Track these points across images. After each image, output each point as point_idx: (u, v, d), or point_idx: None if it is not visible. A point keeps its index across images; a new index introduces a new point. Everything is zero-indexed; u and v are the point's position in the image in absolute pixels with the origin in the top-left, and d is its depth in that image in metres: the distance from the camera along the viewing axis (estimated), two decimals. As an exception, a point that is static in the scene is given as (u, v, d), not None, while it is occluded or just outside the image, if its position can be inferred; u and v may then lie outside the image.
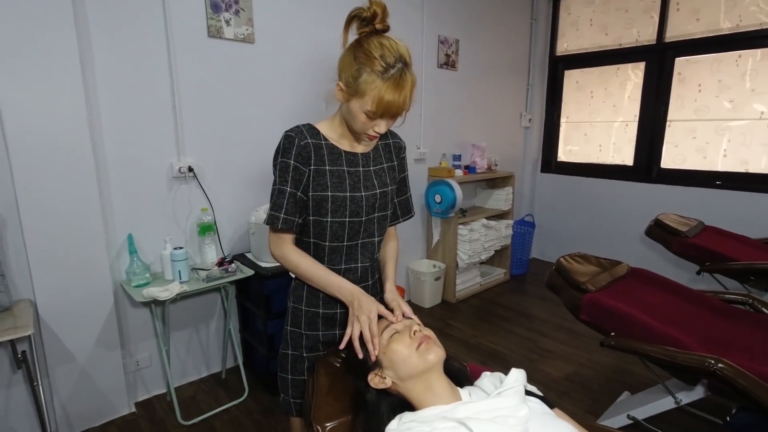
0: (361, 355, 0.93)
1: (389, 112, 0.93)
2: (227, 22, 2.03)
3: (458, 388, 0.90)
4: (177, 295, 1.76)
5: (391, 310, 1.02)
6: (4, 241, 1.62)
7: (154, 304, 1.86)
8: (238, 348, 2.23)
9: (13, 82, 1.51)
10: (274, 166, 1.01)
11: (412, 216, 1.24)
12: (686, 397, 1.54)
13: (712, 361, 1.25)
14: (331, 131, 1.04)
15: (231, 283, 1.98)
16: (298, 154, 0.98)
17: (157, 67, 1.89)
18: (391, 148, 1.14)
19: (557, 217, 4.04)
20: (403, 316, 1.04)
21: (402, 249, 2.45)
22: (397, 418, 0.85)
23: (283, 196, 0.99)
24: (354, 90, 0.92)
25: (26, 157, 1.57)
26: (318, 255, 1.06)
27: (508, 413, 0.78)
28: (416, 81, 0.95)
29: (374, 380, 0.90)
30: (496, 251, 3.51)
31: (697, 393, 1.51)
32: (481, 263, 3.54)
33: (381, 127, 0.97)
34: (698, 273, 2.26)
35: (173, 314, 2.11)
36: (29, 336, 1.47)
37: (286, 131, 1.01)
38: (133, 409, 2.00)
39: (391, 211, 1.15)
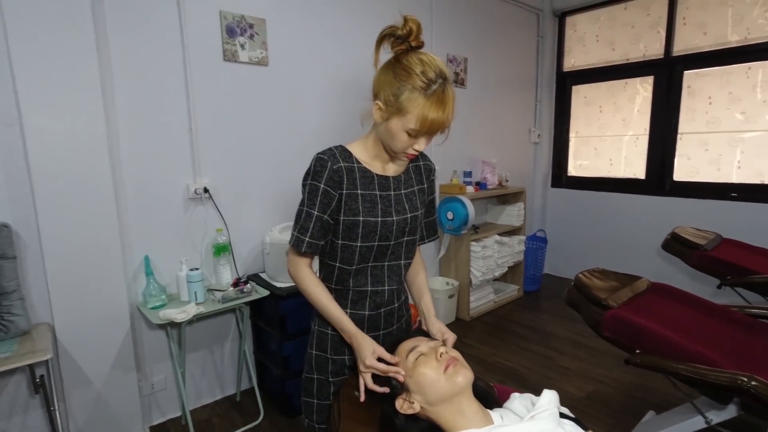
0: (387, 390, 0.91)
1: (433, 129, 0.91)
2: (242, 46, 2.07)
3: (489, 411, 0.87)
4: (193, 316, 1.76)
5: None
6: (24, 265, 1.63)
7: (170, 326, 1.86)
8: (253, 369, 2.20)
9: (37, 107, 1.55)
10: (304, 186, 0.99)
11: (437, 238, 1.23)
12: (717, 417, 1.49)
13: (745, 379, 1.21)
14: (363, 153, 1.02)
15: (246, 303, 1.97)
16: (330, 178, 0.96)
17: (175, 91, 1.92)
18: (422, 170, 1.12)
19: (569, 231, 4.01)
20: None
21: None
22: (428, 443, 0.83)
23: (310, 219, 0.97)
24: (395, 109, 0.90)
25: (48, 181, 1.59)
26: (342, 277, 1.04)
27: (544, 437, 0.76)
28: (455, 94, 0.93)
29: (403, 406, 0.88)
30: (509, 268, 3.47)
31: (729, 412, 1.46)
32: (495, 280, 3.50)
33: (421, 144, 0.95)
34: (719, 287, 2.21)
35: (188, 336, 2.10)
36: (47, 360, 1.47)
37: (318, 153, 0.98)
38: (148, 434, 1.98)
39: (419, 235, 1.14)
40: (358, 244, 1.00)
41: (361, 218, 0.98)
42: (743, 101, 2.98)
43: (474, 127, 3.41)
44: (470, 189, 3.14)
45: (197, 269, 1.89)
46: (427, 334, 1.04)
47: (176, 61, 1.91)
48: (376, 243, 1.01)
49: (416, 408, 0.86)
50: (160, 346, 2.03)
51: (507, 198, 3.60)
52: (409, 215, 1.04)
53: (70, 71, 1.59)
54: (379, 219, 0.99)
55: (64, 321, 1.68)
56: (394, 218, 1.01)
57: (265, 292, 1.97)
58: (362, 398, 0.94)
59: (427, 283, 1.21)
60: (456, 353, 0.92)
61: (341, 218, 0.98)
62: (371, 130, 1.03)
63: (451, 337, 1.04)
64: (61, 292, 1.66)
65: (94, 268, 1.73)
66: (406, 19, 0.91)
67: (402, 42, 0.92)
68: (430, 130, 0.91)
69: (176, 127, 1.95)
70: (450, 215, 2.95)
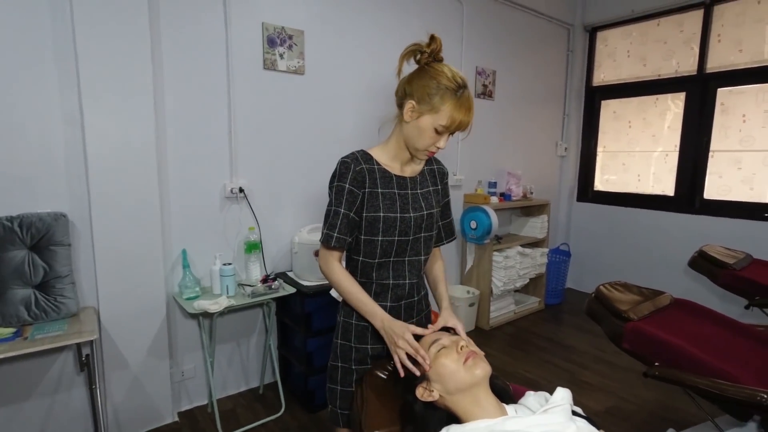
0: (418, 373, 0.96)
1: (459, 128, 1.05)
2: (281, 56, 2.20)
3: (504, 405, 0.92)
4: (225, 308, 1.86)
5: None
6: (77, 252, 1.77)
7: (202, 316, 1.97)
8: (277, 364, 2.29)
9: (97, 109, 1.70)
10: (330, 188, 1.10)
11: (455, 238, 1.31)
12: (737, 435, 1.48)
13: (765, 396, 1.21)
14: (383, 155, 1.13)
15: (273, 299, 2.06)
16: (354, 178, 1.06)
17: (217, 96, 2.06)
18: (436, 173, 1.22)
19: (594, 246, 3.97)
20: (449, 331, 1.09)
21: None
22: (444, 430, 0.88)
23: (338, 217, 1.07)
24: (429, 106, 1.02)
25: (102, 177, 1.74)
26: (366, 271, 1.12)
27: (557, 429, 0.80)
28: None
29: (423, 394, 0.94)
30: (530, 279, 3.47)
31: (749, 430, 1.45)
32: (516, 291, 3.50)
33: (442, 143, 1.07)
34: (747, 307, 2.17)
35: (217, 328, 2.20)
36: (93, 341, 1.59)
37: (342, 158, 1.09)
38: (176, 419, 2.08)
39: (435, 232, 1.22)
40: (380, 239, 1.09)
41: (381, 214, 1.08)
42: (779, 120, 2.92)
43: (500, 139, 3.45)
44: (494, 199, 3.18)
45: (230, 264, 2.00)
46: (448, 330, 1.10)
47: (220, 68, 2.05)
48: (396, 238, 1.10)
49: (435, 396, 0.92)
50: (192, 336, 2.14)
51: (531, 210, 3.61)
52: (425, 212, 1.13)
53: (127, 76, 1.74)
54: (398, 215, 1.09)
55: (108, 306, 1.81)
56: (412, 214, 1.10)
57: (292, 290, 2.06)
58: (402, 373, 1.00)
59: (443, 273, 1.29)
60: (476, 348, 0.97)
61: (363, 215, 1.08)
62: (392, 134, 1.14)
63: (459, 325, 1.10)
64: (107, 279, 1.80)
65: (137, 258, 1.86)
66: (433, 37, 1.05)
67: (429, 56, 1.05)
68: (457, 128, 1.05)
69: (217, 129, 2.08)
70: (473, 224, 2.99)
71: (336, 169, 1.09)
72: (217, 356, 2.23)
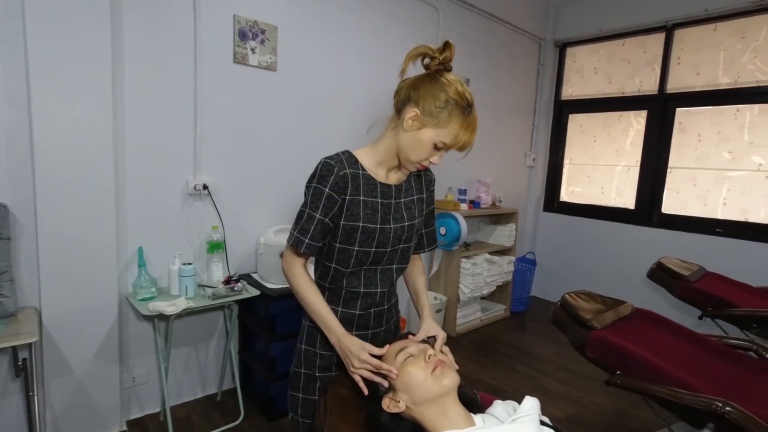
0: (386, 384, 0.92)
1: (461, 147, 0.99)
2: (252, 50, 2.12)
3: (472, 414, 0.90)
4: (182, 310, 1.76)
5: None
6: (18, 247, 1.63)
7: (157, 319, 1.86)
8: (237, 370, 2.19)
9: (47, 91, 1.57)
10: (308, 188, 1.01)
11: (436, 247, 1.27)
12: (692, 443, 1.52)
13: (720, 404, 1.24)
14: (369, 159, 1.05)
15: (235, 302, 1.98)
16: (335, 183, 0.98)
17: (183, 88, 1.96)
18: (422, 180, 1.16)
19: (558, 255, 4.07)
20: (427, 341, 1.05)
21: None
22: (411, 441, 0.85)
23: (312, 221, 0.99)
24: (435, 120, 0.95)
25: (50, 165, 1.61)
26: (337, 278, 1.06)
27: (525, 440, 0.78)
28: None
29: (389, 405, 0.90)
30: (497, 287, 3.51)
31: (704, 438, 1.49)
32: (482, 298, 3.53)
33: (437, 158, 1.01)
34: (700, 318, 2.27)
35: (174, 331, 2.09)
36: (32, 344, 1.46)
37: (325, 158, 1.00)
38: (125, 428, 1.95)
39: (417, 241, 1.17)
40: (356, 249, 1.02)
41: (360, 224, 1.01)
42: (731, 141, 3.09)
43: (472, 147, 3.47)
44: (464, 206, 3.19)
45: (190, 264, 1.89)
46: (428, 341, 1.06)
47: (187, 58, 1.95)
48: (373, 249, 1.03)
49: (402, 407, 0.88)
50: (145, 339, 2.02)
51: (499, 218, 3.65)
52: (406, 224, 1.07)
53: (83, 60, 1.62)
54: (378, 226, 1.02)
55: (51, 306, 1.68)
56: (392, 226, 1.04)
57: (256, 292, 1.98)
58: (366, 391, 0.95)
59: (425, 287, 1.24)
60: (445, 357, 0.94)
61: (341, 222, 1.01)
62: (383, 138, 1.05)
63: (441, 335, 1.06)
64: (52, 277, 1.66)
65: (87, 255, 1.73)
66: (448, 44, 0.98)
67: (440, 63, 0.98)
68: (461, 147, 0.99)
69: (181, 122, 1.98)
70: (443, 230, 2.99)
71: (317, 168, 1.00)
72: (172, 361, 2.11)
